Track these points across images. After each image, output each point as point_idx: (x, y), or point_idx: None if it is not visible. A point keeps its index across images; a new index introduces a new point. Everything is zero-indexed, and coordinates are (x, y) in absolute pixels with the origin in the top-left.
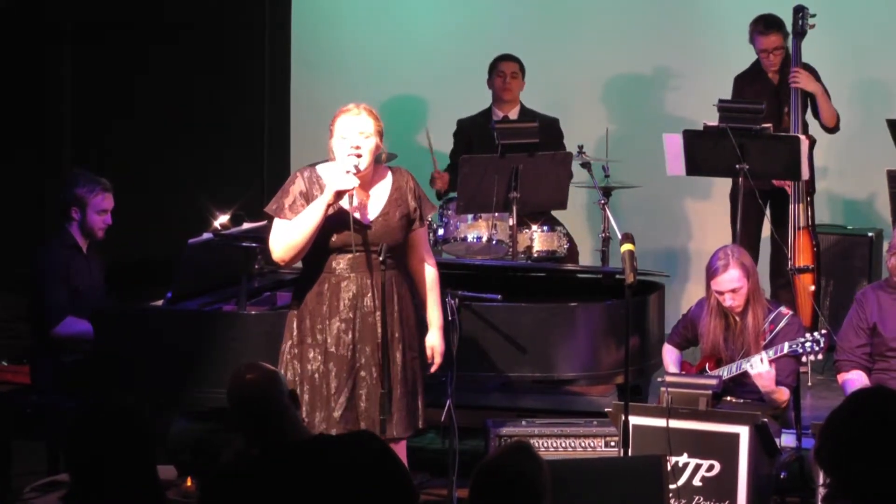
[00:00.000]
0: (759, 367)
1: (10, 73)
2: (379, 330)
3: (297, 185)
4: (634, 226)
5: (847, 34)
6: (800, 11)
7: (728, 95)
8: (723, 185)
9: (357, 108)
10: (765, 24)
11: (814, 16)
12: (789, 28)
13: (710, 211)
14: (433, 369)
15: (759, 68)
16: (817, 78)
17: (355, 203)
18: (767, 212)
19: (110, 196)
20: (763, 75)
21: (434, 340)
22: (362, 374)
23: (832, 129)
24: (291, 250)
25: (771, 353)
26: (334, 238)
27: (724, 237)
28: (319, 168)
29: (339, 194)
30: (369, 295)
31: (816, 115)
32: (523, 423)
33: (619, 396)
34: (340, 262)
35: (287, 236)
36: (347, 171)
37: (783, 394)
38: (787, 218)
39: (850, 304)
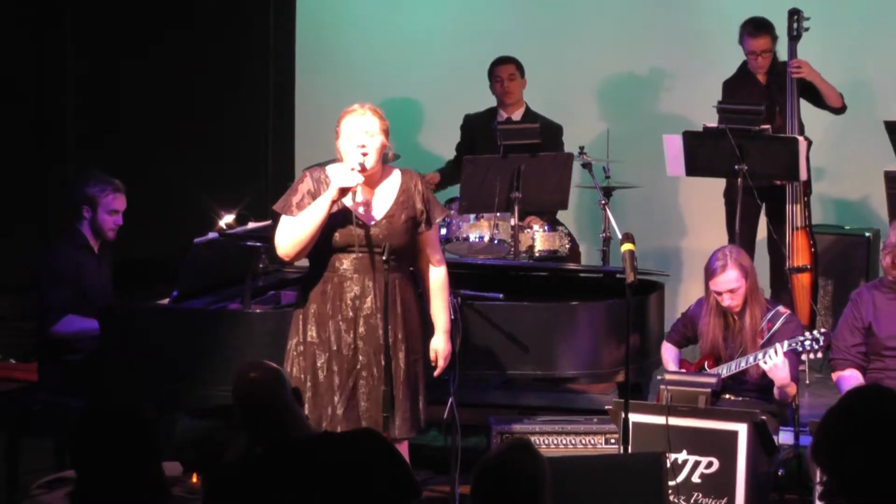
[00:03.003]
0: (775, 359)
1: (13, 69)
2: (380, 331)
3: (306, 184)
4: (635, 226)
5: (840, 36)
6: (794, 14)
7: None
8: (722, 186)
9: (362, 107)
10: (754, 26)
11: (808, 19)
12: (784, 31)
13: (709, 211)
14: (436, 373)
15: (747, 70)
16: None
17: (360, 200)
18: (763, 209)
19: (122, 197)
20: (752, 77)
21: (438, 344)
22: (363, 374)
23: (841, 109)
24: (296, 246)
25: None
26: (338, 237)
27: (724, 237)
28: (329, 168)
29: (342, 191)
30: (371, 296)
31: (820, 104)
32: (524, 420)
33: (620, 394)
34: (344, 262)
35: (292, 232)
36: (353, 169)
37: (794, 388)
38: (784, 216)
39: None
